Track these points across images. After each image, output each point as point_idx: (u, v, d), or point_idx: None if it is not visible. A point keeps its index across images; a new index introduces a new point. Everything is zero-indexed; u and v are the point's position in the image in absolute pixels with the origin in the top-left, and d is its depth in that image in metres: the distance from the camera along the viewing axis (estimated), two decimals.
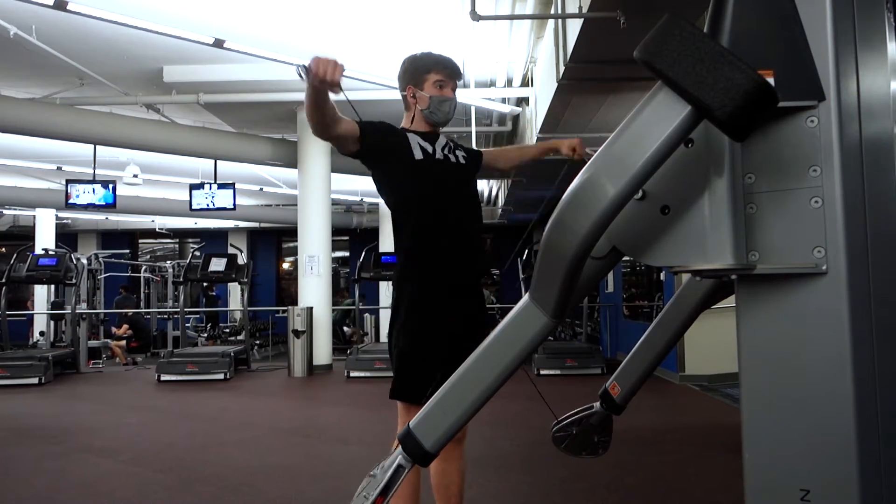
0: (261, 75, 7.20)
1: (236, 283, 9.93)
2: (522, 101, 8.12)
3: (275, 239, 17.77)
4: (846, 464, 0.99)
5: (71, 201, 9.22)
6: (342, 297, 15.52)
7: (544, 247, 1.14)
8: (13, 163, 10.74)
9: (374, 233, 14.49)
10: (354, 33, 6.40)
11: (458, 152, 2.17)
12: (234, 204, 9.71)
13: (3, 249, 16.52)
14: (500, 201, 13.45)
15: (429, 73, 2.08)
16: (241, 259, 9.66)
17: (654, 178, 1.02)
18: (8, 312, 8.33)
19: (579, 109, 6.30)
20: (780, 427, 1.06)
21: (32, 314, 12.97)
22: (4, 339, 8.05)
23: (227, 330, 13.25)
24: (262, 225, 16.35)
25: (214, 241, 16.22)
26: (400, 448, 1.27)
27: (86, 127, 7.71)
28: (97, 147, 8.66)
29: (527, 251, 8.32)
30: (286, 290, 17.32)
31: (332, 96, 1.80)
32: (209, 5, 5.72)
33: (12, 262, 8.12)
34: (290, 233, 12.21)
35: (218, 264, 8.53)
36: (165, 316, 11.75)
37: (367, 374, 7.18)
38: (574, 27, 4.69)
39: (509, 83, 7.70)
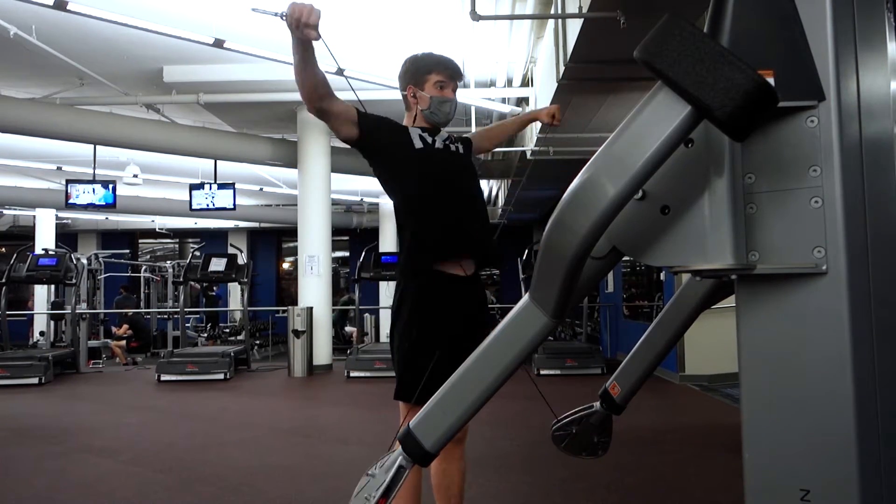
0: (261, 75, 7.20)
1: (236, 283, 9.93)
2: (522, 101, 8.12)
3: (275, 239, 17.78)
4: (846, 464, 0.99)
5: (71, 201, 9.23)
6: (340, 296, 15.53)
7: (544, 247, 1.14)
8: (13, 163, 10.75)
9: (374, 233, 14.50)
10: (355, 33, 6.40)
11: (457, 144, 2.19)
12: (234, 204, 9.71)
13: (3, 249, 16.52)
14: (500, 201, 13.46)
15: (430, 74, 2.08)
16: (241, 259, 9.66)
17: (654, 178, 1.02)
18: (8, 312, 8.33)
19: (579, 109, 6.30)
20: (780, 427, 1.06)
21: (32, 314, 12.97)
22: (4, 339, 8.05)
23: (227, 330, 13.26)
24: (262, 225, 16.35)
25: (214, 241, 16.22)
26: (400, 448, 1.27)
27: (86, 127, 7.71)
28: (97, 147, 8.67)
29: (527, 251, 8.32)
30: (286, 290, 17.32)
31: (339, 98, 1.81)
32: (209, 5, 5.73)
33: (12, 262, 8.12)
34: (290, 233, 12.22)
35: (218, 264, 8.53)
36: (165, 316, 11.76)
37: (367, 374, 7.18)
38: (574, 27, 4.69)
39: (509, 83, 7.70)
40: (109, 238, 16.84)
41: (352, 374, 7.27)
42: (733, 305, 1.13)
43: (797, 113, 1.04)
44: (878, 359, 1.02)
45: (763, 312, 1.08)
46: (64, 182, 9.61)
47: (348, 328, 13.18)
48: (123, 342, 11.11)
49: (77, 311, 8.51)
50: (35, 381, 7.02)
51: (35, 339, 11.88)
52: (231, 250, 13.37)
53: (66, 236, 15.23)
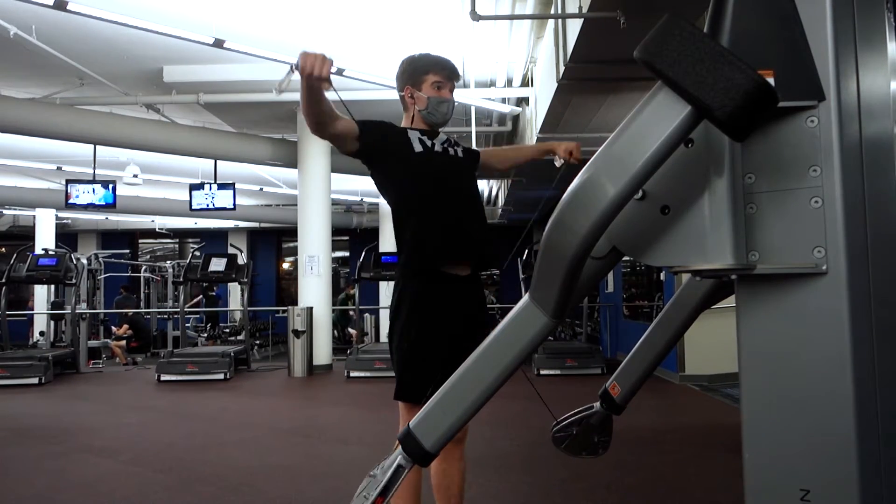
0: (261, 75, 7.20)
1: (236, 283, 9.93)
2: (522, 101, 8.12)
3: (275, 239, 17.78)
4: (846, 464, 0.99)
5: (71, 201, 9.22)
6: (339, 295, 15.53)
7: (544, 247, 1.14)
8: (13, 163, 10.75)
9: (374, 233, 14.49)
10: (354, 33, 6.40)
11: (456, 148, 2.19)
12: (234, 204, 9.71)
13: (3, 249, 16.52)
14: (500, 201, 13.46)
15: (427, 74, 2.08)
16: (241, 259, 9.66)
17: (654, 178, 1.03)
18: (8, 312, 8.33)
19: (579, 109, 6.30)
20: (780, 427, 1.06)
21: (32, 314, 12.97)
22: (4, 339, 8.05)
23: (227, 330, 13.26)
24: (262, 225, 16.35)
25: (214, 241, 16.22)
26: (400, 448, 1.27)
27: (86, 127, 7.71)
28: (97, 147, 8.67)
29: (527, 251, 8.32)
30: (286, 290, 17.32)
31: (331, 95, 1.80)
32: (209, 5, 5.72)
33: (12, 262, 8.12)
34: (290, 233, 12.22)
35: (218, 264, 8.53)
36: (165, 316, 11.76)
37: (367, 374, 7.18)
38: (574, 27, 4.69)
39: (509, 83, 7.70)
40: (109, 238, 16.84)
41: (352, 374, 7.27)
42: (733, 305, 1.13)
43: (797, 113, 1.04)
44: (878, 359, 1.02)
45: (763, 312, 1.08)
46: (64, 182, 9.61)
47: (350, 329, 13.18)
48: (123, 342, 11.11)
49: (77, 311, 8.51)
50: (35, 381, 7.02)
51: (35, 339, 11.88)
52: (231, 250, 13.38)
53: (66, 236, 15.23)
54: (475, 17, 4.74)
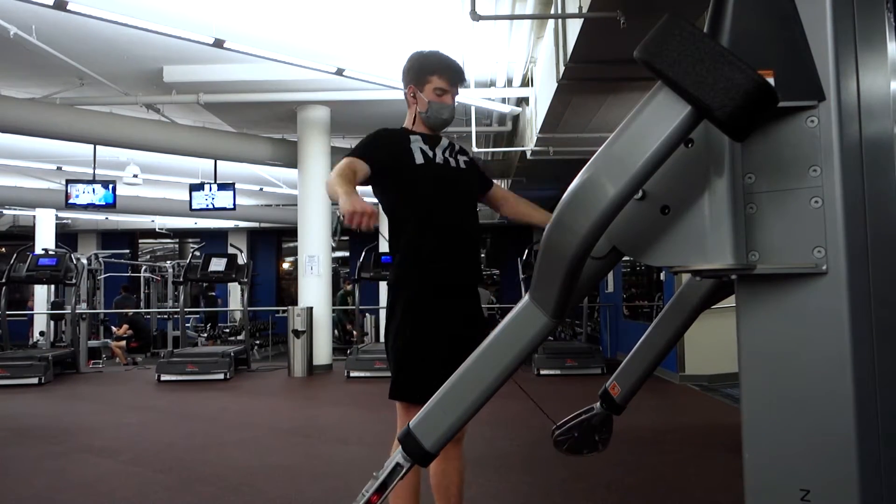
0: (261, 75, 7.20)
1: (236, 283, 9.92)
2: (522, 101, 8.12)
3: (275, 239, 17.77)
4: (846, 464, 0.99)
5: (71, 201, 9.22)
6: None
7: (544, 247, 1.14)
8: (13, 163, 10.74)
9: (374, 233, 14.45)
10: (354, 33, 6.40)
11: (459, 157, 2.16)
12: (234, 204, 9.71)
13: (3, 249, 16.52)
14: None
15: (432, 77, 2.07)
16: (241, 259, 9.66)
17: (654, 178, 1.03)
18: (8, 312, 8.33)
19: (579, 109, 6.30)
20: (780, 427, 1.06)
21: (32, 314, 12.97)
22: (4, 339, 8.05)
23: (227, 330, 13.25)
24: (262, 225, 16.34)
25: (214, 241, 16.21)
26: (400, 448, 1.27)
27: (86, 127, 7.71)
28: (97, 147, 8.66)
29: (527, 251, 8.32)
30: (286, 290, 17.31)
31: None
32: (209, 5, 5.72)
33: (12, 262, 8.12)
34: (290, 233, 12.21)
35: (218, 264, 8.53)
36: (165, 316, 11.76)
37: (367, 374, 7.18)
38: (574, 27, 4.69)
39: (509, 83, 7.69)
40: (109, 238, 16.83)
41: (352, 374, 7.27)
42: (733, 305, 1.13)
43: (797, 113, 1.04)
44: (878, 359, 1.02)
45: (763, 312, 1.08)
46: (64, 182, 9.61)
47: (348, 326, 13.17)
48: (123, 342, 11.10)
49: (77, 311, 8.51)
50: (35, 381, 7.01)
51: (35, 339, 11.88)
52: (231, 250, 13.36)
53: (66, 236, 15.22)
54: (475, 17, 4.74)
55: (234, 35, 5.84)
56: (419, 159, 2.04)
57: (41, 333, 11.13)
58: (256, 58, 6.15)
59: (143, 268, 14.86)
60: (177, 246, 18.18)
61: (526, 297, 1.23)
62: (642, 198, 1.13)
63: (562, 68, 5.14)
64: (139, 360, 10.73)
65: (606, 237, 1.15)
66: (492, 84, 7.72)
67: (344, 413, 5.49)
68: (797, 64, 1.04)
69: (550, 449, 2.02)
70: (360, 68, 6.51)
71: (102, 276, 12.23)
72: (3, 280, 7.91)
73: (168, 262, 14.20)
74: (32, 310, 13.36)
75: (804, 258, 1.03)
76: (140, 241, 17.91)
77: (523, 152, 8.43)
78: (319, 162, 8.40)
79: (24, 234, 14.48)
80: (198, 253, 10.63)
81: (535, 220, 2.26)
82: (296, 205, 8.79)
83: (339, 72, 6.37)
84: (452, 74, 2.09)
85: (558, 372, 7.08)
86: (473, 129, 8.12)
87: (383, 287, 9.92)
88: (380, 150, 2.02)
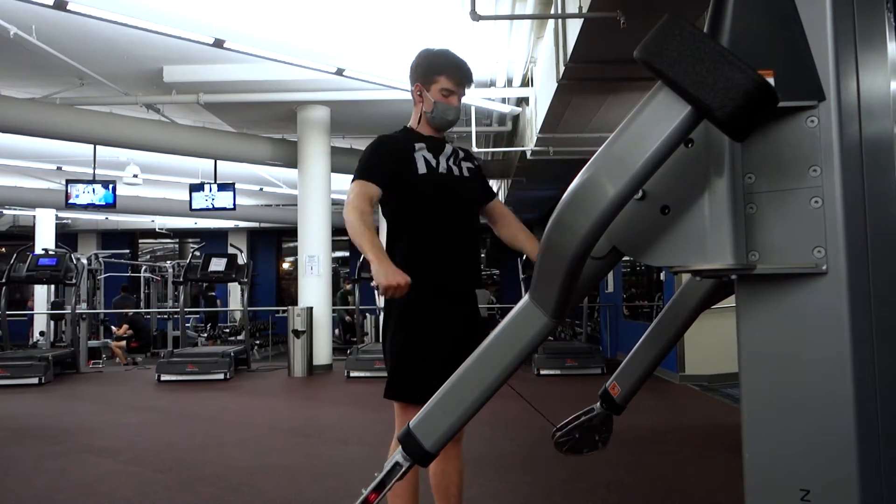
0: (261, 75, 7.20)
1: (236, 283, 9.92)
2: (522, 101, 8.12)
3: (275, 239, 17.77)
4: (846, 464, 0.99)
5: (71, 201, 9.23)
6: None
7: (544, 247, 1.14)
8: (13, 163, 10.75)
9: None
10: (354, 33, 6.40)
11: (463, 163, 2.15)
12: (234, 204, 9.72)
13: (3, 249, 16.52)
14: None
15: (439, 77, 2.06)
16: (241, 259, 9.66)
17: (654, 178, 1.03)
18: (8, 312, 8.33)
19: (579, 109, 6.30)
20: (780, 427, 1.06)
21: (32, 314, 12.97)
22: (4, 339, 8.05)
23: (227, 330, 13.25)
24: (262, 225, 16.35)
25: (214, 241, 16.22)
26: (400, 448, 1.27)
27: (86, 127, 7.71)
28: (97, 147, 8.66)
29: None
30: (286, 290, 17.32)
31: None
32: (209, 5, 5.72)
33: (12, 262, 8.12)
34: (290, 233, 12.21)
35: (218, 264, 8.53)
36: (165, 316, 11.75)
37: (367, 374, 7.18)
38: (574, 27, 4.69)
39: (509, 83, 7.70)
40: (109, 238, 16.84)
41: (352, 374, 7.27)
42: (733, 305, 1.13)
43: (797, 113, 1.04)
44: (878, 359, 1.02)
45: (763, 312, 1.08)
46: (64, 182, 9.61)
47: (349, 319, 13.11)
48: (123, 342, 11.11)
49: (77, 311, 8.51)
50: (35, 381, 7.01)
51: (35, 339, 11.88)
52: (231, 250, 13.37)
53: (66, 236, 15.23)
54: (475, 17, 4.74)
55: (234, 35, 5.85)
56: (422, 168, 2.02)
57: (41, 333, 11.13)
58: (256, 58, 6.15)
59: (143, 268, 14.86)
60: (177, 246, 18.19)
61: (526, 297, 1.23)
62: (642, 198, 1.13)
63: (562, 68, 5.14)
64: (139, 360, 10.73)
65: (606, 237, 1.15)
66: (492, 84, 7.72)
67: (344, 413, 5.50)
68: (797, 64, 1.04)
69: (550, 449, 2.02)
70: (360, 68, 6.51)
71: (102, 276, 12.22)
72: (3, 280, 7.91)
73: (168, 262, 14.20)
74: (32, 310, 13.36)
75: (804, 258, 1.03)
76: (140, 241, 17.92)
77: (523, 152, 8.44)
78: (319, 162, 8.41)
79: (24, 234, 14.49)
80: (198, 253, 10.63)
81: (527, 250, 2.20)
82: (296, 205, 8.79)
83: (339, 72, 6.37)
84: (460, 75, 2.08)
85: (558, 372, 7.08)
86: (473, 129, 8.12)
87: None
88: (384, 167, 2.01)
